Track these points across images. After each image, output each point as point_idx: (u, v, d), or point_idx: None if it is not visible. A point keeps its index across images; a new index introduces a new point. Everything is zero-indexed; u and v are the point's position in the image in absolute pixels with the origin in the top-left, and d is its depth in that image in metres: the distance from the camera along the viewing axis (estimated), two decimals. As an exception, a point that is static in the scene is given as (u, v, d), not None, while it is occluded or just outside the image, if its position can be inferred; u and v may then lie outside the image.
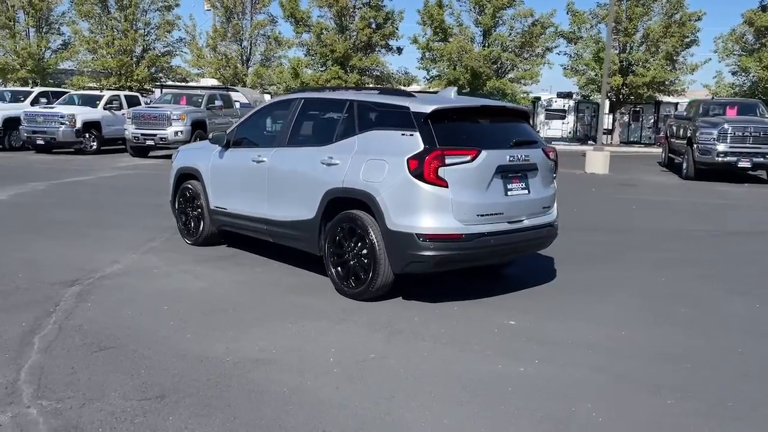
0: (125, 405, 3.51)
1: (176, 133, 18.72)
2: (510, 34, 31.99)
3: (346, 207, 5.64)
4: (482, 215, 5.38)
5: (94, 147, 20.21)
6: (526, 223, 5.76)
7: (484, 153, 5.33)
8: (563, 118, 38.06)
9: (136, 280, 6.05)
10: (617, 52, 30.82)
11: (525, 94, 32.38)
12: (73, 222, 8.96)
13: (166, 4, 36.08)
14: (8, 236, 7.87)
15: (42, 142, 19.45)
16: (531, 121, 6.61)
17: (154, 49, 36.75)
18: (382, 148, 5.46)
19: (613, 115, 33.79)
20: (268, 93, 35.71)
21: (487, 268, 6.56)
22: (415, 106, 5.39)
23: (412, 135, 5.28)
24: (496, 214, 5.48)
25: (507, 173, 5.56)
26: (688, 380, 4.15)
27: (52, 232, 8.18)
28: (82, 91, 24.30)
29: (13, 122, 20.14)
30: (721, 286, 6.55)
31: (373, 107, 5.87)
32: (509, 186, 5.59)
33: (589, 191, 14.22)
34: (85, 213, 9.70)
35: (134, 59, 35.62)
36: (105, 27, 35.43)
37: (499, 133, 5.82)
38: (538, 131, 22.96)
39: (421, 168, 5.12)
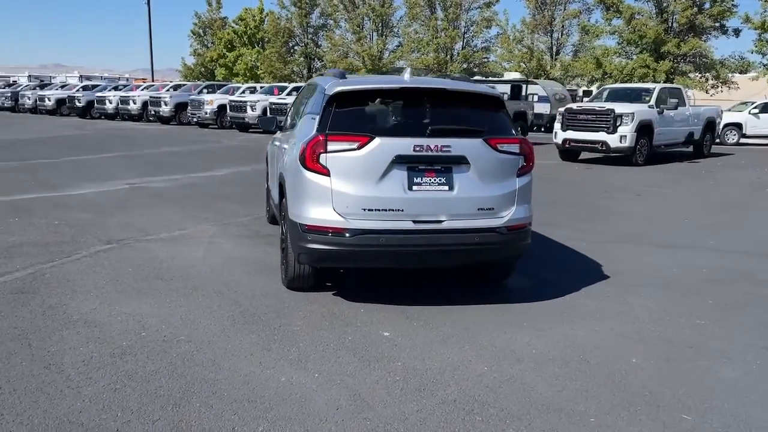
0: None
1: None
2: None
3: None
4: (370, 210, 4.57)
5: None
6: (446, 225, 4.67)
7: (376, 141, 4.54)
8: None
9: (160, 246, 6.65)
10: None
11: None
12: (236, 198, 10.08)
13: (486, 1, 37.19)
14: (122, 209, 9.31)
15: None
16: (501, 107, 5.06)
17: (472, 45, 38.23)
18: (301, 132, 5.07)
19: None
20: (575, 86, 34.13)
21: (486, 275, 5.50)
22: (329, 88, 4.83)
23: (314, 118, 4.84)
24: (392, 210, 4.58)
25: (415, 165, 4.61)
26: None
27: (189, 205, 9.38)
28: None
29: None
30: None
31: (316, 90, 5.41)
32: (417, 180, 4.62)
33: None
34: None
35: (450, 56, 37.62)
36: (427, 27, 38.11)
37: (422, 119, 4.80)
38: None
39: (304, 154, 4.61)
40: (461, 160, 4.66)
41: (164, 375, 3.66)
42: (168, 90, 31.29)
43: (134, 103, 30.91)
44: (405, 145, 4.57)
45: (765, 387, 3.77)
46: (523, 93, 29.74)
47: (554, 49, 35.26)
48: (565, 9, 34.96)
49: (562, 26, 34.89)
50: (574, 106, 17.68)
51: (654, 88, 17.20)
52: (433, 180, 4.64)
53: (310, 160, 4.60)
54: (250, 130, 25.48)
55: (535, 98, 30.97)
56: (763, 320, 4.91)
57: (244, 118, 24.87)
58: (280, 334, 4.33)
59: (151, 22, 44.66)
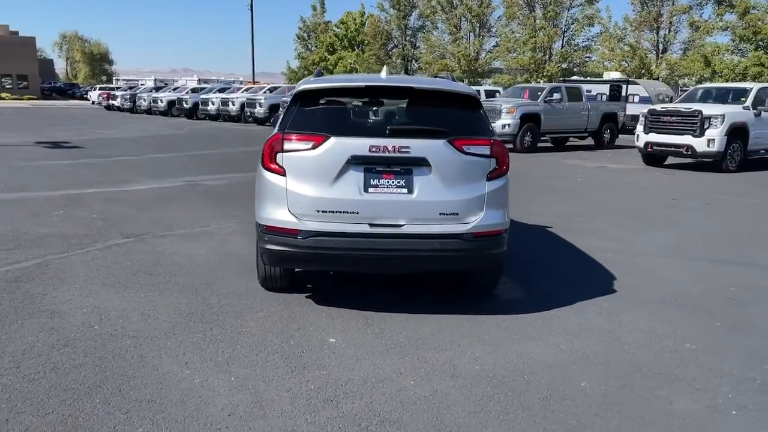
0: None
1: (503, 126, 18.77)
2: None
3: None
4: (324, 211, 4.43)
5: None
6: (406, 229, 4.42)
7: (331, 140, 4.40)
8: None
9: (172, 242, 6.85)
10: None
11: None
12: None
13: (589, -1, 35.78)
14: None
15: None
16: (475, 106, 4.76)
17: (572, 44, 36.86)
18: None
19: None
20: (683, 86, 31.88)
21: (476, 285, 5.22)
22: (300, 86, 4.75)
23: (281, 118, 4.75)
24: (347, 212, 4.42)
25: (372, 166, 4.41)
26: None
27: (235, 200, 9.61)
28: None
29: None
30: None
31: None
32: (374, 182, 4.43)
33: None
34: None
35: (548, 56, 36.45)
36: (525, 26, 37.14)
37: (385, 119, 4.57)
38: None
39: (263, 154, 4.58)
40: (421, 162, 4.42)
41: (87, 369, 3.72)
42: (264, 92, 32.43)
43: (233, 105, 32.28)
44: (360, 145, 4.39)
45: (722, 424, 3.29)
46: (623, 93, 28.32)
47: (660, 47, 33.22)
48: (673, 4, 32.87)
49: (670, 23, 32.81)
50: (658, 107, 16.53)
51: (752, 88, 15.73)
52: (391, 182, 4.44)
53: (268, 159, 4.54)
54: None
55: (636, 99, 29.40)
56: (765, 348, 4.30)
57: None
58: (226, 335, 4.30)
59: (254, 28, 46.60)
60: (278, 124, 4.65)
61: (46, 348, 4.00)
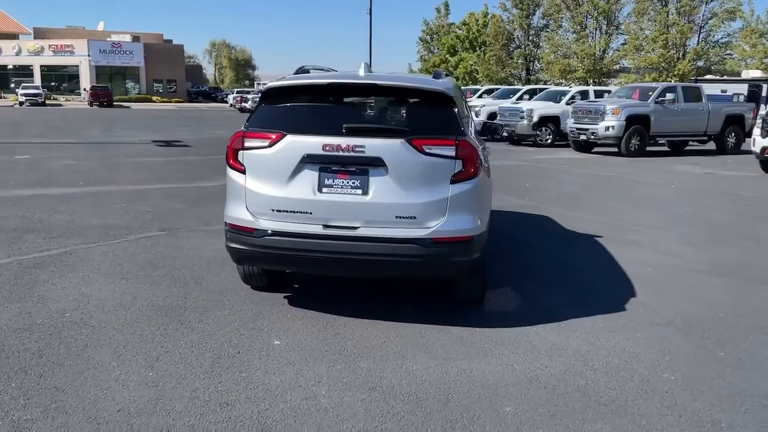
0: None
1: (607, 128, 17.67)
2: None
3: None
4: (279, 210, 4.33)
5: (549, 140, 20.89)
6: (361, 232, 4.21)
7: (287, 138, 4.30)
8: None
9: (199, 237, 7.07)
10: None
11: None
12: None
13: (729, -9, 32.82)
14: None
15: (505, 134, 21.38)
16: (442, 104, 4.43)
17: (708, 41, 33.99)
18: None
19: None
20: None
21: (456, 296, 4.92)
22: (268, 84, 4.73)
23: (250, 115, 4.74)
24: (301, 212, 4.28)
25: (328, 166, 4.25)
26: None
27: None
28: (554, 87, 25.01)
29: (495, 116, 22.71)
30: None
31: None
32: (328, 181, 4.26)
33: None
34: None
35: (682, 53, 33.83)
36: (655, 22, 34.76)
37: (345, 116, 4.38)
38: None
39: (227, 151, 4.57)
40: (377, 162, 4.20)
41: (28, 354, 3.88)
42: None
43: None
44: (314, 144, 4.26)
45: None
46: (764, 94, 25.80)
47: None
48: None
49: (824, 15, 29.27)
50: (778, 107, 14.78)
51: None
52: (345, 182, 4.27)
53: (231, 157, 4.53)
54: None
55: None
56: (759, 386, 3.65)
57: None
58: (178, 331, 4.33)
59: (372, 32, 47.06)
60: (246, 122, 4.63)
61: (9, 331, 4.23)
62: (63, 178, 11.28)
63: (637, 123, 17.75)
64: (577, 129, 18.66)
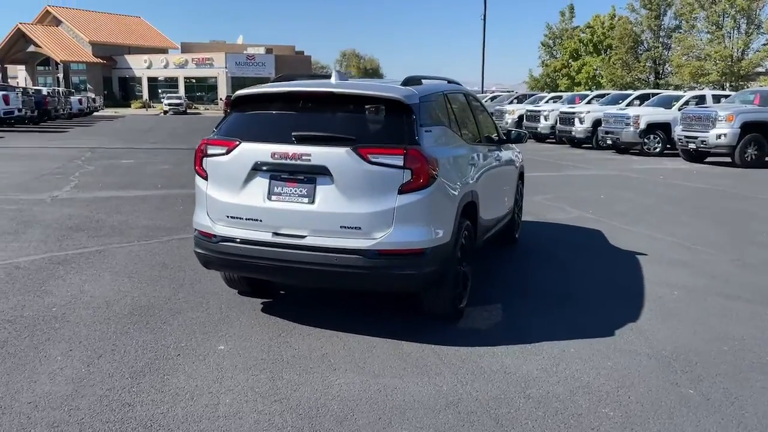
0: None
1: (718, 136, 16.17)
2: None
3: None
4: (233, 217, 4.40)
5: (657, 149, 19.45)
6: (308, 241, 4.15)
7: (241, 146, 4.37)
8: None
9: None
10: None
11: None
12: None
13: None
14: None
15: (609, 142, 20.22)
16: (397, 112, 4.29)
17: None
18: None
19: None
20: None
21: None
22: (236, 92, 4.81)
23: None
24: (252, 219, 4.32)
25: (278, 174, 4.26)
26: None
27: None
28: (669, 92, 23.07)
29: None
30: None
31: None
32: (277, 189, 4.26)
33: None
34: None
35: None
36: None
37: (299, 124, 4.35)
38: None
39: (194, 158, 4.69)
40: (323, 171, 4.14)
41: (-7, 343, 4.21)
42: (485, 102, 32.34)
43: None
44: (265, 151, 4.27)
45: None
46: None
47: None
48: None
49: None
50: None
51: None
52: (293, 191, 4.24)
53: (197, 163, 4.65)
54: (547, 141, 24.81)
55: None
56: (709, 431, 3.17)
57: (536, 128, 24.36)
58: (136, 330, 4.46)
59: (485, 38, 46.39)
60: (215, 129, 4.73)
61: (-6, 321, 4.62)
62: (147, 181, 12.13)
63: (754, 131, 16.10)
64: (686, 137, 17.24)
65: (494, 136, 6.34)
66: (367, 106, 4.47)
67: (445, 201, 4.38)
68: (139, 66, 69.74)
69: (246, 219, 4.35)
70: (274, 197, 4.28)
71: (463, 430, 3.20)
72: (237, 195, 4.39)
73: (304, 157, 4.16)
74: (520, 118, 26.39)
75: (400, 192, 4.09)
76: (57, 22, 70.07)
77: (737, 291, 5.64)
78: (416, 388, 3.65)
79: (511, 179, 6.83)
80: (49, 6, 70.86)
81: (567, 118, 22.95)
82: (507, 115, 27.01)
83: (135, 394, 3.54)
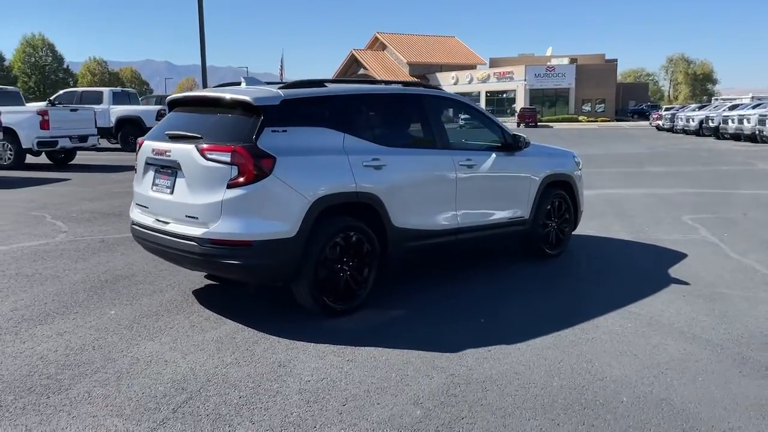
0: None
1: None
2: None
3: None
4: (137, 204, 5.22)
5: None
6: (172, 227, 4.73)
7: (144, 144, 5.18)
8: None
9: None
10: None
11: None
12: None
13: None
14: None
15: None
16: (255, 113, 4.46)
17: None
18: None
19: None
20: None
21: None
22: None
23: None
24: (143, 206, 5.12)
25: (158, 167, 4.95)
26: None
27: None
28: None
29: None
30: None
31: None
32: (157, 181, 4.96)
33: None
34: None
35: None
36: None
37: (183, 125, 4.89)
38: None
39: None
40: (177, 165, 4.70)
41: (-8, 294, 5.53)
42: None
43: (747, 122, 28.22)
44: (150, 148, 5.02)
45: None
46: None
47: None
48: None
49: None
50: None
51: None
52: (163, 182, 4.89)
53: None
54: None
55: None
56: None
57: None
58: (91, 309, 5.11)
59: None
60: None
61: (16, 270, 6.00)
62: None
63: None
64: None
65: (494, 143, 6.23)
66: (227, 108, 4.79)
67: (287, 198, 4.42)
68: (446, 82, 74.63)
69: (141, 206, 5.17)
70: (154, 188, 4.98)
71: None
72: (139, 185, 5.22)
73: (167, 153, 4.79)
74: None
75: (228, 186, 4.37)
76: (383, 47, 79.25)
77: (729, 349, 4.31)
78: (339, 369, 3.86)
79: (519, 186, 6.20)
80: (378, 32, 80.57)
81: None
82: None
83: (30, 369, 4.40)
